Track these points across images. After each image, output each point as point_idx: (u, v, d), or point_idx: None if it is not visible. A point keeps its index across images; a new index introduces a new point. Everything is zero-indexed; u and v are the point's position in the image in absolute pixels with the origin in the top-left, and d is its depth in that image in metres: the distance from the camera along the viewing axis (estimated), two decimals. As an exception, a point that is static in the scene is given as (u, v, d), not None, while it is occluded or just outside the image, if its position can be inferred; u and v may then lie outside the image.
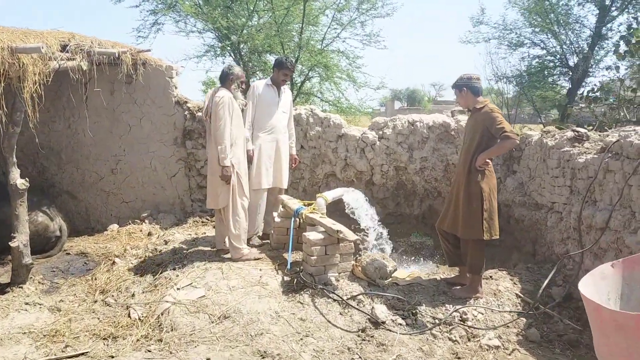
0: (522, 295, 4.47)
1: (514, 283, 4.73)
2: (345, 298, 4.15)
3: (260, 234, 6.15)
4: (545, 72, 11.79)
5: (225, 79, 5.35)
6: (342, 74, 10.69)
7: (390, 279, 4.53)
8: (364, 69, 13.31)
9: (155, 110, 7.20)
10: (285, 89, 6.02)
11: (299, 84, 11.03)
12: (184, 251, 5.72)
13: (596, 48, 11.02)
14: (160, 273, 5.19)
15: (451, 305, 4.24)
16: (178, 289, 4.64)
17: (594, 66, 11.06)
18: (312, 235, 4.44)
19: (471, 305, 4.27)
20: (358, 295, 4.18)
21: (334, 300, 4.17)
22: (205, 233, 6.45)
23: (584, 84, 11.17)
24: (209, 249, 5.83)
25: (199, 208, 7.41)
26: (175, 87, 7.21)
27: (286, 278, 4.68)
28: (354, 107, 11.18)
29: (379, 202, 7.13)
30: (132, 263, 5.91)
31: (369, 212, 5.49)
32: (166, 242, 6.20)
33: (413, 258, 6.93)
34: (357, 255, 4.82)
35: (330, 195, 5.28)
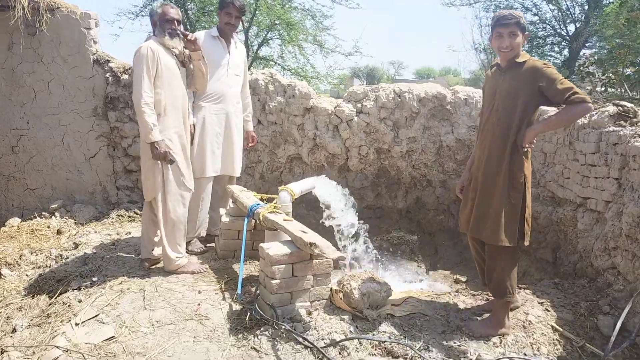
0: (561, 329, 3.31)
1: (546, 309, 3.56)
2: (321, 345, 2.86)
3: (204, 234, 4.77)
4: (539, 41, 10.70)
5: (152, 25, 3.92)
6: (307, 36, 9.19)
7: (383, 308, 3.27)
8: (334, 31, 11.79)
9: (67, 72, 5.63)
10: (238, 44, 4.60)
11: (255, 46, 9.46)
12: (98, 260, 4.28)
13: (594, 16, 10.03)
14: (59, 294, 3.76)
15: (472, 351, 3.02)
16: (77, 324, 3.23)
17: (591, 37, 10.06)
18: (274, 249, 3.11)
19: (498, 348, 3.07)
20: (341, 341, 2.89)
21: (305, 347, 2.87)
22: (130, 233, 5.00)
23: (581, 55, 10.18)
24: (133, 256, 4.41)
25: (126, 198, 5.92)
26: (95, 42, 5.64)
27: (236, 307, 3.34)
28: (322, 77, 9.75)
29: (355, 193, 5.84)
30: (26, 274, 4.43)
31: (347, 216, 4.20)
32: (76, 246, 4.73)
33: (390, 257, 5.74)
34: (340, 274, 3.54)
35: (298, 187, 3.95)
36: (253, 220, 3.96)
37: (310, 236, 3.07)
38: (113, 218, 5.53)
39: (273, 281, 3.04)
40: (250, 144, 4.90)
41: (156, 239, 4.07)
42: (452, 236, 5.90)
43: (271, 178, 5.85)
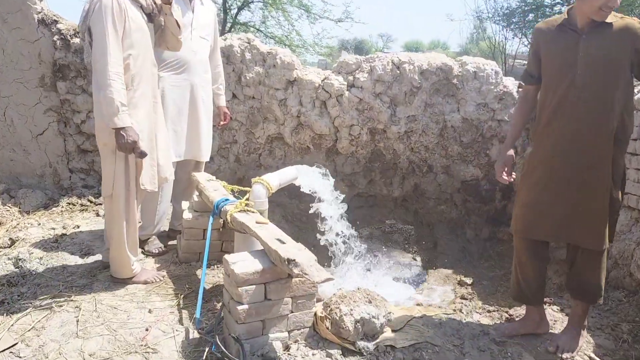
0: (600, 361, 2.67)
1: (579, 332, 2.91)
2: (302, 395, 2.18)
3: (167, 229, 4.06)
4: (545, 11, 9.88)
5: None
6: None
7: (381, 338, 2.59)
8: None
9: (7, 34, 4.77)
10: (205, 0, 3.81)
11: (234, 10, 8.53)
12: (34, 262, 3.55)
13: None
14: (-26, 311, 3.03)
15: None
16: (-12, 355, 2.53)
17: None
18: (241, 265, 2.40)
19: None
20: (328, 391, 2.21)
21: (281, 397, 2.19)
22: (79, 227, 4.25)
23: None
24: (78, 257, 3.68)
25: (80, 182, 5.15)
26: (39, -2, 4.79)
27: (194, 334, 2.65)
28: (308, 45, 8.88)
29: (345, 179, 5.13)
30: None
31: (334, 210, 3.49)
32: (12, 242, 3.98)
33: (382, 247, 5.11)
34: (323, 300, 2.87)
35: (276, 179, 3.22)
36: (221, 220, 3.24)
37: (289, 249, 2.36)
38: (63, 206, 4.77)
39: (240, 307, 2.34)
40: (222, 122, 4.14)
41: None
42: (455, 228, 5.23)
43: (248, 161, 5.10)
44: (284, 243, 2.45)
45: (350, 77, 4.79)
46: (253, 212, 2.97)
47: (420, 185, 5.13)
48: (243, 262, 2.42)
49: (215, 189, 3.43)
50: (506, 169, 2.82)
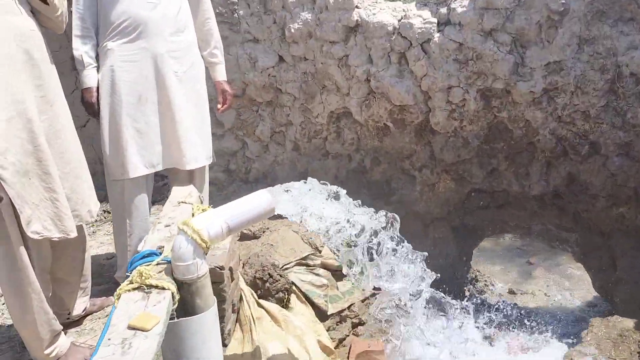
0: None
1: None
2: None
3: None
4: None
5: None
6: None
7: None
8: None
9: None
10: None
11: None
12: None
13: None
14: None
15: None
16: None
17: None
18: None
19: None
20: None
21: None
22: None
23: None
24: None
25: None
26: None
27: None
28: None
29: (450, 171, 3.39)
30: None
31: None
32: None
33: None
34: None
35: (219, 221, 1.77)
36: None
37: None
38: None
39: None
40: (220, 106, 2.80)
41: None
42: (645, 245, 3.18)
43: (310, 149, 3.68)
44: None
45: (443, 10, 3.00)
46: (163, 288, 1.62)
47: (578, 176, 3.15)
48: None
49: (169, 219, 2.14)
50: None
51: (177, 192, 2.50)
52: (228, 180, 3.95)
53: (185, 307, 1.67)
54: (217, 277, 2.17)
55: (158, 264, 1.74)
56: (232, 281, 2.38)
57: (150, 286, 1.62)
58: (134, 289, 1.62)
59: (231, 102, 2.80)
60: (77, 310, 2.45)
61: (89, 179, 2.22)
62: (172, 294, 1.61)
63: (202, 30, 2.65)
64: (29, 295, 1.99)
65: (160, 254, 1.83)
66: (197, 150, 2.61)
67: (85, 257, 2.38)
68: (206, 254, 1.74)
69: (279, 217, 2.89)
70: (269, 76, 3.53)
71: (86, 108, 2.45)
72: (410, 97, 3.13)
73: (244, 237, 3.34)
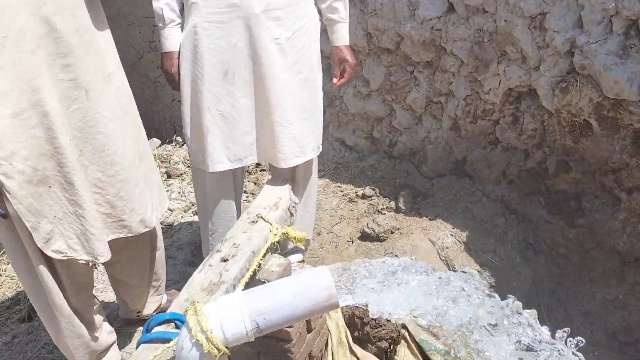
0: None
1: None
2: None
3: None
4: None
5: None
6: None
7: None
8: None
9: None
10: None
11: None
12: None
13: None
14: None
15: None
16: None
17: None
18: None
19: None
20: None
21: None
22: None
23: None
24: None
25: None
26: None
27: None
28: None
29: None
30: None
31: None
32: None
33: None
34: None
35: (242, 321, 1.15)
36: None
37: None
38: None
39: None
40: (337, 80, 2.08)
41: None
42: None
43: (474, 132, 2.77)
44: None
45: None
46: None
47: None
48: None
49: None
50: None
51: (264, 196, 1.94)
52: (370, 149, 3.27)
53: None
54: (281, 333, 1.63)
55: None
56: (309, 332, 1.80)
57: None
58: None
59: (350, 74, 2.07)
60: (149, 309, 2.13)
61: (149, 180, 1.76)
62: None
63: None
64: (56, 319, 1.66)
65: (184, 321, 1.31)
66: (300, 143, 1.98)
67: (156, 256, 1.99)
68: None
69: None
70: (432, 29, 2.64)
71: (166, 77, 1.95)
72: (635, 89, 2.02)
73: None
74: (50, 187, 1.47)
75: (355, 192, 3.07)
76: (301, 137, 1.96)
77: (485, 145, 2.76)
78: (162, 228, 2.22)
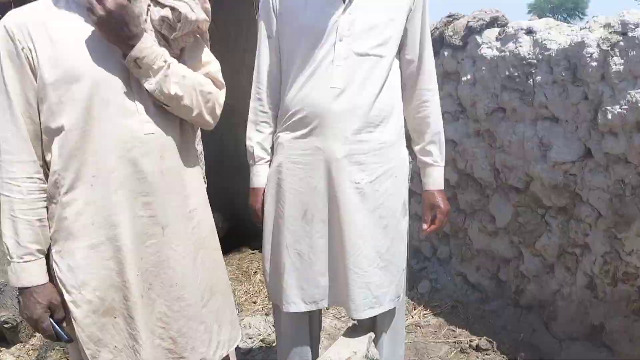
0: None
1: None
2: None
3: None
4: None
5: None
6: None
7: None
8: None
9: None
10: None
11: None
12: None
13: None
14: None
15: None
16: None
17: None
18: None
19: None
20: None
21: None
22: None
23: None
24: None
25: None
26: None
27: None
28: None
29: None
30: None
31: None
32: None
33: None
34: None
35: None
36: None
37: None
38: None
39: None
40: (430, 226, 1.90)
41: None
42: None
43: (615, 297, 2.30)
44: None
45: None
46: None
47: None
48: None
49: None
50: None
51: (336, 350, 1.83)
52: (495, 292, 2.93)
53: None
54: None
55: None
56: None
57: None
58: None
59: (442, 222, 1.89)
60: None
61: (220, 316, 1.71)
62: None
63: (414, 118, 1.87)
64: None
65: None
66: (375, 292, 1.84)
67: None
68: None
69: None
70: (566, 174, 2.34)
71: (251, 212, 1.99)
72: None
73: None
74: (115, 317, 1.53)
75: (470, 342, 2.73)
76: (377, 287, 1.81)
77: (628, 314, 2.27)
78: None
